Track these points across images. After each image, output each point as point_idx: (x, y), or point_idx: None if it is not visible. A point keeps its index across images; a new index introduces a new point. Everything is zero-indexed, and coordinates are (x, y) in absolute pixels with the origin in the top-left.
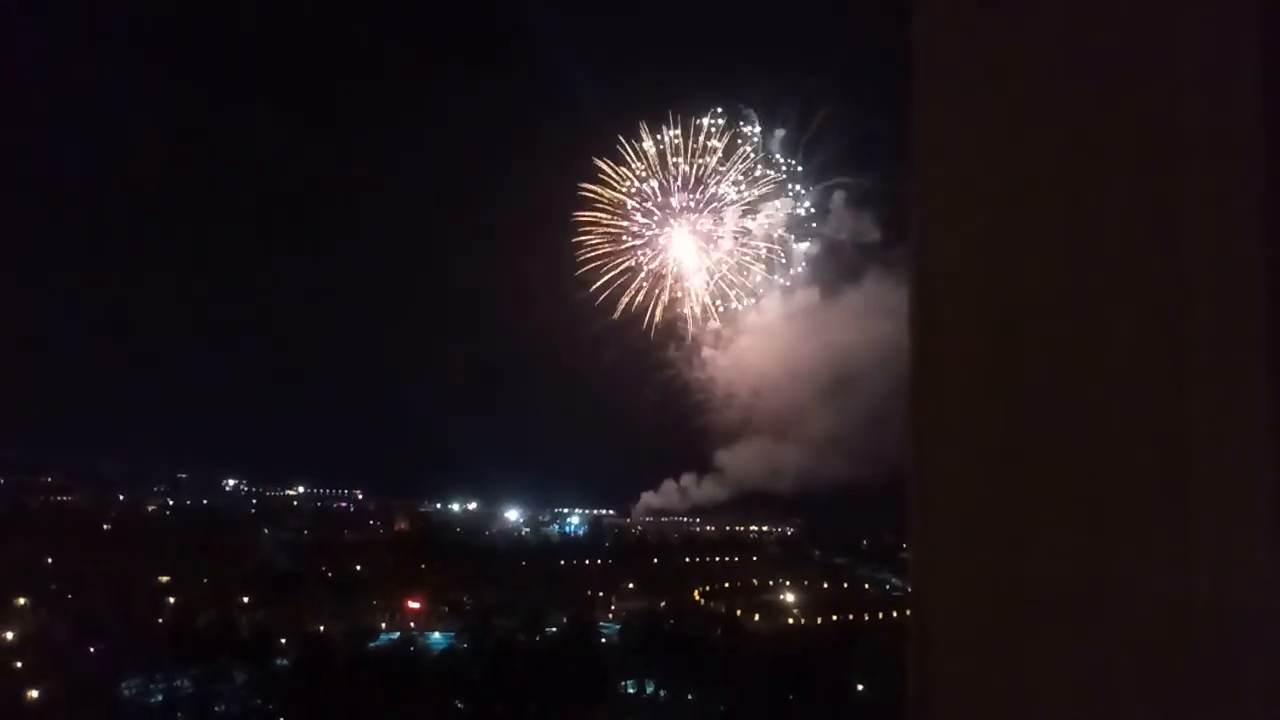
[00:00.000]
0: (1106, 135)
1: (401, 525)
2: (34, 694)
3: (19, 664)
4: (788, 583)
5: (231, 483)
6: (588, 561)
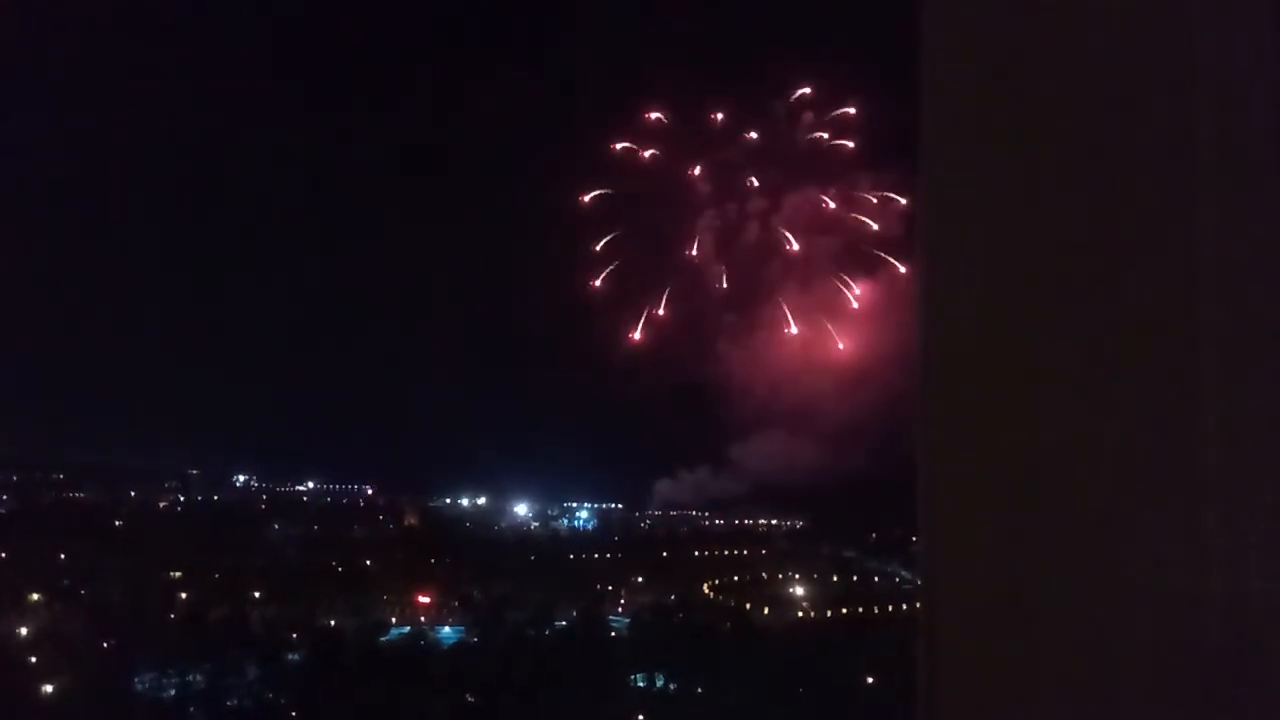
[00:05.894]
0: (1116, 133)
1: (411, 520)
2: (48, 689)
3: (33, 659)
4: (797, 576)
5: (242, 479)
6: (597, 555)
